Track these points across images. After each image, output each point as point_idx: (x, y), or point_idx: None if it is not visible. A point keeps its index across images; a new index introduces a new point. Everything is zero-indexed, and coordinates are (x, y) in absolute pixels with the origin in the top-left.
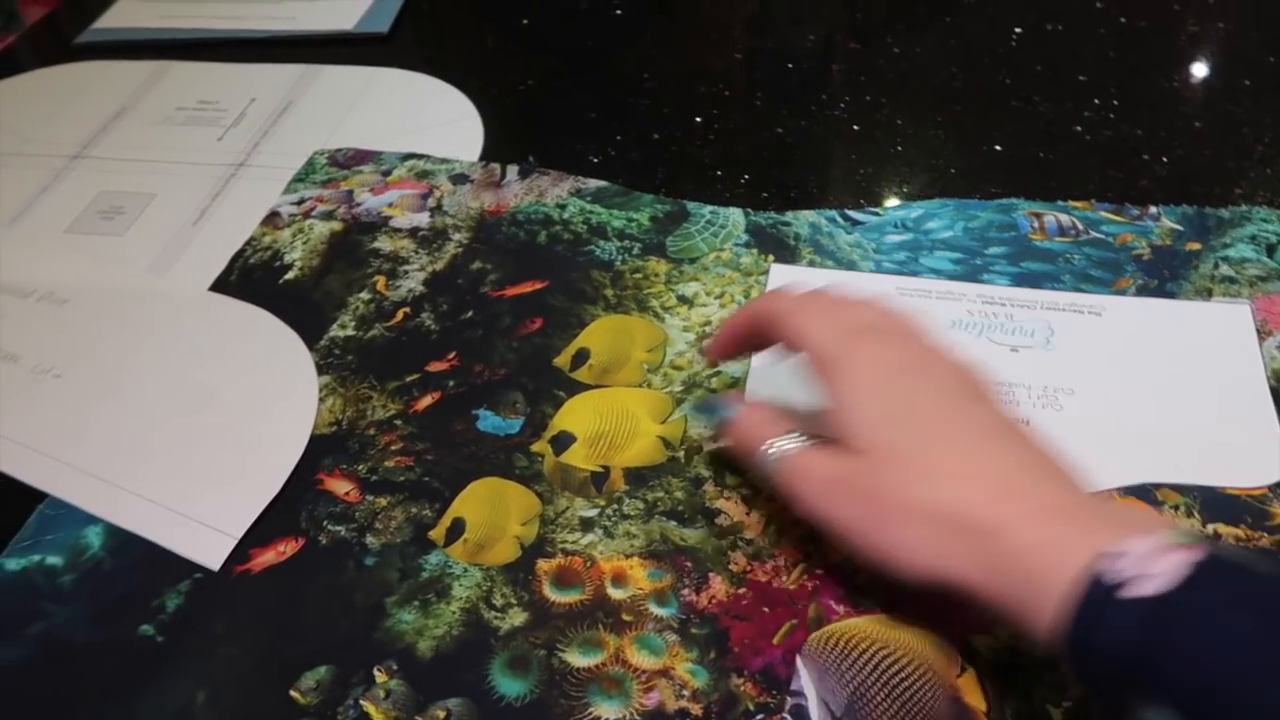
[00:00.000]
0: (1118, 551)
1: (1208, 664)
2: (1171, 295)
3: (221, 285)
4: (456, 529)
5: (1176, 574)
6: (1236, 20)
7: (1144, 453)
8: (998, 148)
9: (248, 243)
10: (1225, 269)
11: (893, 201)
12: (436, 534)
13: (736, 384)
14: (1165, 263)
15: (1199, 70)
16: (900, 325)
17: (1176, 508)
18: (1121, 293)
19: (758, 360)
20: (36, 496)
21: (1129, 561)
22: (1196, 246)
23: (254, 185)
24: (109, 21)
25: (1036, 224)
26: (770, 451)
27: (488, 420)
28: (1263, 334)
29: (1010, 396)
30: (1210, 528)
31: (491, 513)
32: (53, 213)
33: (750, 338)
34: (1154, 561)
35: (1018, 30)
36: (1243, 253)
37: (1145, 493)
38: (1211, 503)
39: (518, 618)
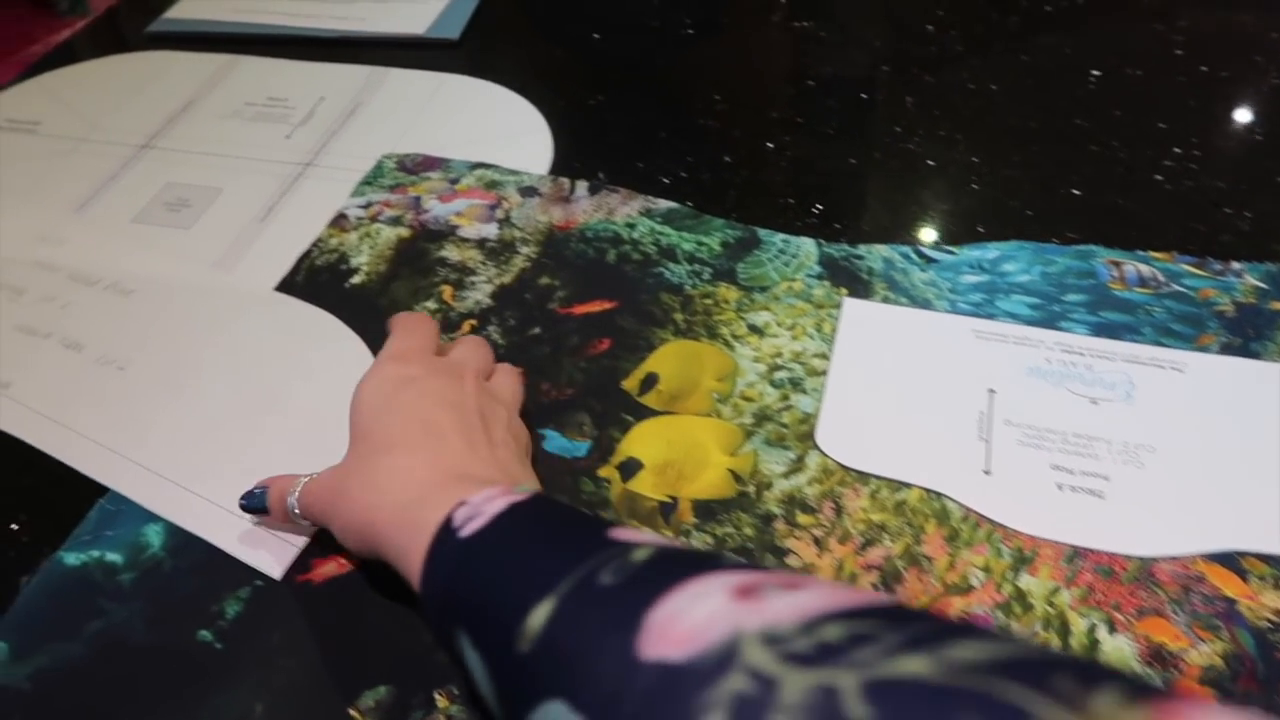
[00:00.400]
0: (469, 500)
1: (482, 588)
2: (1256, 355)
3: (287, 286)
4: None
5: (494, 513)
6: None
7: (1230, 518)
8: (1075, 192)
9: (314, 244)
10: None
11: (968, 241)
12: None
13: (807, 420)
14: (1249, 321)
15: None
16: (461, 357)
17: (1263, 578)
18: (1204, 349)
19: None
20: (97, 490)
21: (470, 507)
22: None
23: (321, 185)
24: (180, 12)
25: (1116, 273)
26: (291, 497)
27: (554, 441)
28: None
29: (1090, 450)
30: None
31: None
32: (120, 201)
33: None
34: (487, 505)
35: (1095, 73)
36: None
37: (1231, 560)
38: None
39: None
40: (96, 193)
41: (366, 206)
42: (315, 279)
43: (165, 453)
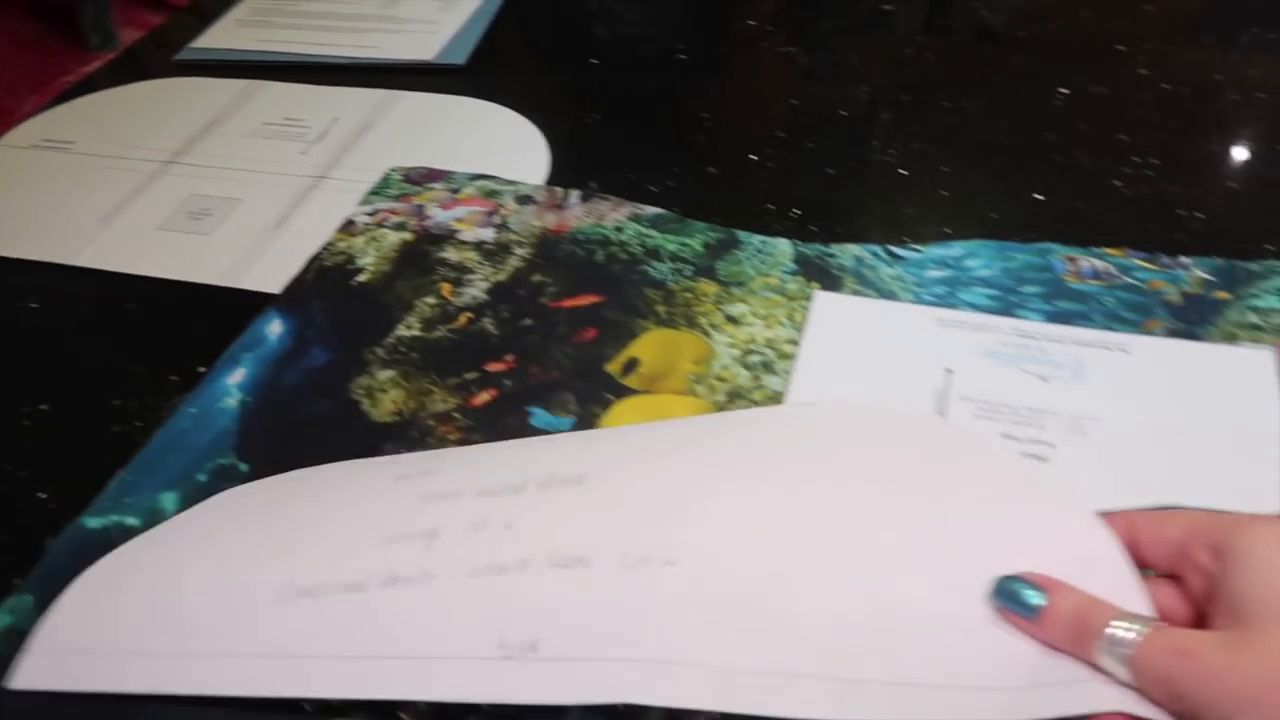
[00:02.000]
0: None
1: None
2: (1198, 339)
3: (298, 284)
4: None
5: None
6: (1277, 91)
7: (1163, 479)
8: (1038, 196)
9: (324, 247)
10: (1252, 317)
11: (935, 241)
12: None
13: (777, 397)
14: (1194, 309)
15: (1238, 136)
16: None
17: None
18: (1150, 334)
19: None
20: (117, 464)
21: None
22: (1226, 296)
23: (332, 196)
24: (206, 42)
25: (1071, 267)
26: (1119, 634)
27: (540, 417)
28: None
29: (1038, 421)
30: None
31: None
32: (146, 211)
33: None
34: None
35: (1063, 91)
36: (1270, 303)
37: None
38: None
39: None
40: (123, 203)
41: (373, 214)
42: (324, 278)
43: None
